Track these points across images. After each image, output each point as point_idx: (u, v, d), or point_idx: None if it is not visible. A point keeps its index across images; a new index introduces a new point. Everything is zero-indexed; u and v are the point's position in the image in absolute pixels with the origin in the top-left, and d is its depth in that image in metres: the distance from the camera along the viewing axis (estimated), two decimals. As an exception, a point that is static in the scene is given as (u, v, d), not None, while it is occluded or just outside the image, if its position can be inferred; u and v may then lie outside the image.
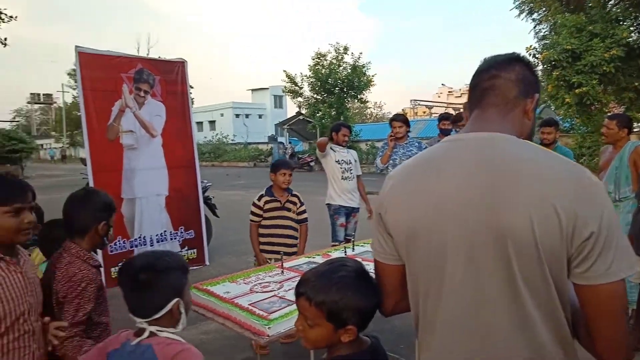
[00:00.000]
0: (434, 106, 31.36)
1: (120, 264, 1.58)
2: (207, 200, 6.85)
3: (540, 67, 13.59)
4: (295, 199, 3.90)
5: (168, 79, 5.77)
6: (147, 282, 1.45)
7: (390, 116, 5.59)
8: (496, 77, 1.14)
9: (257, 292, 2.55)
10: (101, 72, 5.17)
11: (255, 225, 3.83)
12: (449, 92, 71.24)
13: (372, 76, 24.55)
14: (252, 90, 49.77)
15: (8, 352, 1.64)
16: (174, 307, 1.48)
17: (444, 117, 5.67)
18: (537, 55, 13.15)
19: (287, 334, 2.19)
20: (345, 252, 3.09)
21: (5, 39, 15.88)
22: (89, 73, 5.07)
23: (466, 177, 1.05)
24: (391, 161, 5.31)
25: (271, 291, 2.56)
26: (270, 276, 2.85)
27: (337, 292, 1.21)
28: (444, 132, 5.55)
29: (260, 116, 47.50)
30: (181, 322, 1.50)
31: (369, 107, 45.73)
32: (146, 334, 1.46)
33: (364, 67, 24.28)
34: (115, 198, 5.02)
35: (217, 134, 37.75)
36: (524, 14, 16.21)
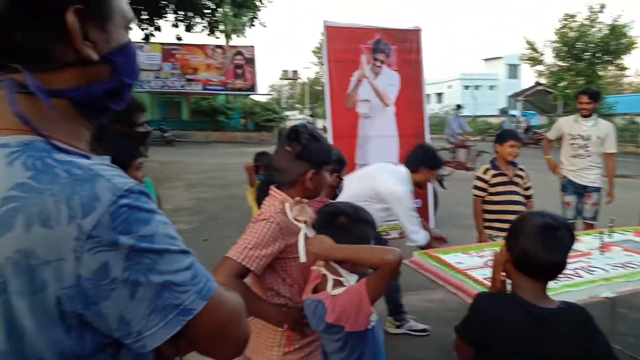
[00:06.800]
0: None
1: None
2: (434, 172, 6.76)
3: None
4: (523, 173, 3.64)
5: (403, 48, 5.79)
6: (344, 225, 1.51)
7: None
8: None
9: (491, 267, 2.39)
10: (344, 44, 5.47)
11: (479, 201, 3.66)
12: None
13: (635, 38, 20.53)
14: (486, 59, 47.14)
15: None
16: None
17: None
18: None
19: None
20: (602, 238, 2.65)
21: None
22: (334, 45, 5.44)
23: None
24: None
25: (508, 268, 2.37)
26: (506, 253, 2.64)
27: None
28: None
29: (491, 87, 44.76)
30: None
31: (628, 75, 38.47)
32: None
33: (624, 27, 20.43)
34: (351, 163, 5.42)
35: (443, 107, 37.04)
36: None
